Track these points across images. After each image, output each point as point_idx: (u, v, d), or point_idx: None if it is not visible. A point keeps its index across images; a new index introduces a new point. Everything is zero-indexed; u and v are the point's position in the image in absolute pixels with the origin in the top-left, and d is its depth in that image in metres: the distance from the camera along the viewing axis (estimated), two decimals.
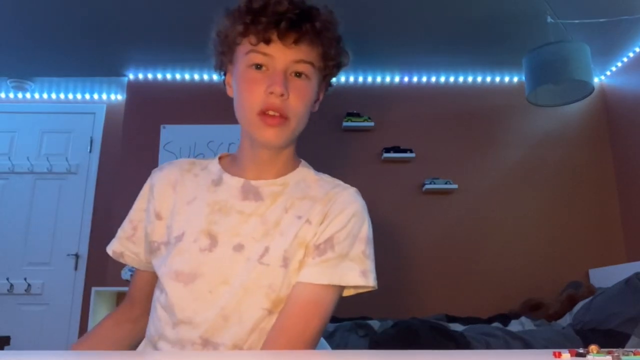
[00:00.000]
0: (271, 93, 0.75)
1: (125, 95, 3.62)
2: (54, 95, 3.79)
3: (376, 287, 0.78)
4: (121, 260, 0.89)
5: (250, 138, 0.81)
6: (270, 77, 0.76)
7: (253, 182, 0.82)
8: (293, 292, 0.75)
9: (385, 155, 3.41)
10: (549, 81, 2.58)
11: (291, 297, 0.75)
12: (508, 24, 2.96)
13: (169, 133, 3.43)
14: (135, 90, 3.57)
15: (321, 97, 0.88)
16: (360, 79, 3.64)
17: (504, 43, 3.16)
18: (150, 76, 3.59)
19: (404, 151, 3.42)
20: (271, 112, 0.76)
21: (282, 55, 0.76)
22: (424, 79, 3.66)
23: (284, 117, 0.77)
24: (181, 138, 3.41)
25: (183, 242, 0.79)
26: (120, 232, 0.89)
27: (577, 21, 2.76)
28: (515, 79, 3.64)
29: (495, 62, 3.45)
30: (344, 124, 3.47)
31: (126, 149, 3.42)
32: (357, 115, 3.50)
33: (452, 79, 3.65)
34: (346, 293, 0.80)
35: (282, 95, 0.75)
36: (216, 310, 0.75)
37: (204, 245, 0.78)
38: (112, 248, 0.89)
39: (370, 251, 0.80)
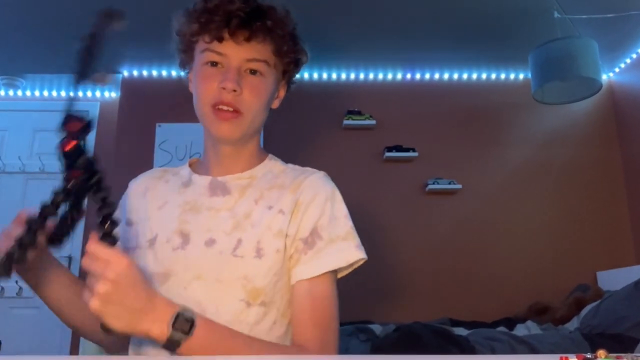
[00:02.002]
0: (223, 88, 0.80)
1: (119, 93, 3.62)
2: (46, 93, 3.79)
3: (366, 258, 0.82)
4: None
5: (210, 135, 0.86)
6: (224, 74, 0.81)
7: (220, 178, 0.87)
8: (300, 291, 0.78)
9: (387, 154, 3.41)
10: (555, 78, 2.58)
11: (300, 295, 0.78)
12: (514, 19, 2.95)
13: (165, 131, 3.43)
14: (129, 88, 3.57)
15: (282, 94, 0.93)
16: (362, 76, 3.64)
17: (509, 39, 3.16)
18: (145, 73, 3.58)
19: (407, 150, 3.42)
20: (224, 107, 0.81)
21: (234, 53, 0.81)
22: (427, 75, 3.65)
23: (237, 112, 0.81)
24: (177, 137, 3.41)
25: (156, 244, 0.82)
26: None
27: (584, 16, 2.76)
28: (521, 76, 3.63)
29: (500, 58, 3.45)
30: (345, 122, 3.47)
31: (120, 148, 3.42)
32: (358, 113, 3.49)
33: (456, 76, 3.65)
34: (342, 273, 0.83)
35: (234, 90, 0.80)
36: (192, 305, 0.76)
37: (177, 244, 0.81)
38: None
39: (353, 226, 0.84)
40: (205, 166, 0.90)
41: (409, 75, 3.66)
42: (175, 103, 3.51)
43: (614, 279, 3.00)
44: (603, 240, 3.33)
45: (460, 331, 2.34)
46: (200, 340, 0.63)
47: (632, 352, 1.90)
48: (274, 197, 0.84)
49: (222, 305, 0.77)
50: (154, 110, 3.50)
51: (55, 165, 3.57)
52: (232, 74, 0.80)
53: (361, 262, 0.82)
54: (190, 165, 0.94)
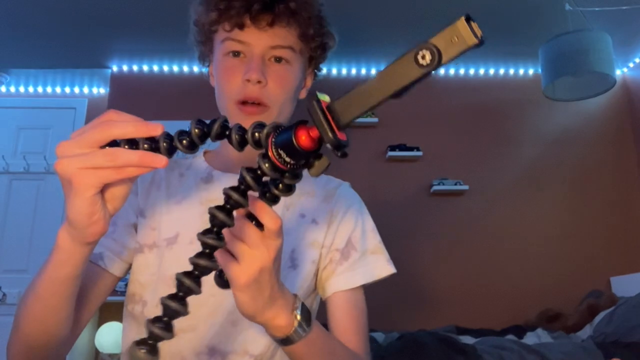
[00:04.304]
0: (247, 80, 0.77)
1: (108, 89, 3.62)
2: (31, 89, 3.79)
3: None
4: (100, 264, 0.79)
5: None
6: (247, 64, 0.78)
7: None
8: (343, 301, 0.81)
9: (390, 153, 3.41)
10: (567, 73, 2.58)
11: (343, 305, 0.81)
12: (523, 12, 2.96)
13: None
14: (119, 83, 3.57)
15: (309, 84, 0.91)
16: (363, 71, 3.65)
17: (518, 32, 3.16)
18: (135, 68, 3.58)
19: (411, 149, 3.42)
20: (250, 102, 0.78)
21: (257, 40, 0.78)
22: None
23: (262, 105, 0.79)
24: None
25: (178, 245, 0.79)
26: None
27: (597, 9, 2.76)
28: (531, 71, 3.64)
29: (509, 52, 3.45)
30: None
31: None
32: None
33: (462, 71, 3.65)
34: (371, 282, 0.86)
35: (259, 82, 0.77)
36: (223, 315, 0.76)
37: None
38: None
39: (381, 240, 0.87)
40: (226, 162, 0.87)
41: None
42: (167, 99, 3.51)
43: (628, 285, 3.00)
44: (617, 244, 3.33)
45: (467, 339, 2.34)
46: (314, 336, 0.61)
47: None
48: (305, 205, 0.84)
49: None
50: (144, 107, 3.49)
51: (40, 165, 3.59)
52: (255, 63, 0.77)
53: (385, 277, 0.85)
54: (204, 156, 0.90)
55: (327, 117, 0.43)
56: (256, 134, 0.48)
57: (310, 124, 0.45)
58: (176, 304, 0.49)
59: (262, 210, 0.51)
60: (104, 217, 0.51)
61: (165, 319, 0.49)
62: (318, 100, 0.44)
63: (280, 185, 0.49)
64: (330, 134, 0.43)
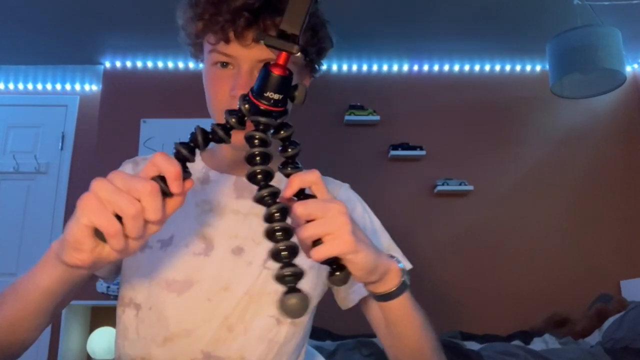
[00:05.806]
0: (234, 97, 0.76)
1: (100, 86, 3.61)
2: (20, 86, 3.78)
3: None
4: (92, 271, 0.79)
5: None
6: (235, 76, 0.77)
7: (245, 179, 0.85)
8: (375, 311, 0.85)
9: (393, 152, 3.41)
10: (575, 70, 2.58)
11: (376, 316, 0.85)
12: (530, 6, 2.95)
13: (150, 128, 3.43)
14: (112, 80, 3.56)
15: (306, 85, 0.89)
16: (365, 68, 3.64)
17: (525, 27, 3.16)
18: (129, 64, 3.58)
19: (414, 148, 3.42)
20: None
21: (244, 55, 0.76)
22: (436, 67, 3.66)
23: None
24: (164, 133, 3.40)
25: (172, 247, 0.80)
26: None
27: (607, 3, 2.76)
28: (538, 68, 3.64)
29: (515, 48, 3.45)
30: (346, 117, 3.47)
31: (102, 146, 3.41)
32: (361, 108, 3.50)
33: (467, 68, 3.65)
34: None
35: None
36: (219, 319, 0.76)
37: (198, 249, 0.80)
38: None
39: (390, 237, 0.90)
40: (222, 162, 0.87)
41: (416, 67, 3.66)
42: (162, 97, 3.51)
43: (639, 289, 3.00)
44: (627, 246, 3.33)
45: (472, 345, 2.34)
46: (409, 295, 0.65)
47: None
48: None
49: (251, 322, 0.77)
50: (138, 104, 3.50)
51: (30, 164, 3.59)
52: (243, 79, 0.75)
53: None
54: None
55: (283, 39, 0.53)
56: (232, 119, 0.55)
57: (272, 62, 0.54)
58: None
59: (296, 176, 0.56)
60: (90, 252, 0.51)
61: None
62: (268, 35, 0.54)
63: (282, 131, 0.57)
64: (294, 47, 0.52)
